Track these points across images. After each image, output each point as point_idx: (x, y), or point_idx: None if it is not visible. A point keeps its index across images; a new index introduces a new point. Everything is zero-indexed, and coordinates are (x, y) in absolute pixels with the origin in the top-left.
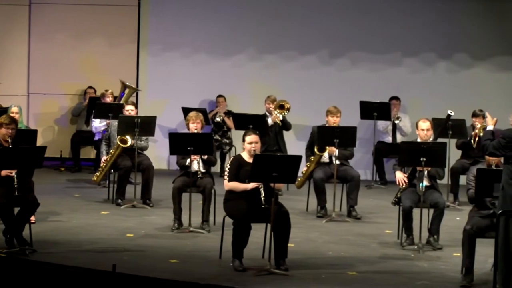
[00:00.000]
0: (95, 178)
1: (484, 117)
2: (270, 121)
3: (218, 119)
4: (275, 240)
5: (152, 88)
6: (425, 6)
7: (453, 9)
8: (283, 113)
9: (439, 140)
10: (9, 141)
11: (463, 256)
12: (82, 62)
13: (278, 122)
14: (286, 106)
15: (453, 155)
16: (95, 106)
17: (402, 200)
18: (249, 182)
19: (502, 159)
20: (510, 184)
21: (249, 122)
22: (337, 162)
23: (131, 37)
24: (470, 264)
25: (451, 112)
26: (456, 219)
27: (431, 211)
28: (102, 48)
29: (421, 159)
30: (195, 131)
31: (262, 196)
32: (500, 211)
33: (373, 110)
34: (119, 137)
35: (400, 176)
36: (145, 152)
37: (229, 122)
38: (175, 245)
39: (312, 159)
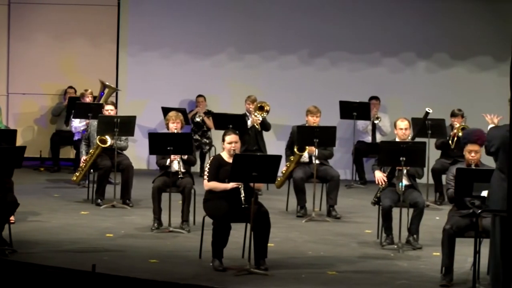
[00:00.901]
0: (74, 178)
1: (462, 116)
2: (249, 122)
3: (197, 119)
4: (255, 240)
5: (131, 88)
6: (405, 5)
7: (432, 9)
8: (262, 115)
9: (419, 140)
10: None
11: (443, 256)
12: (62, 62)
13: (257, 126)
14: (266, 108)
15: (432, 155)
16: (74, 106)
17: (381, 199)
18: (229, 182)
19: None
20: (499, 185)
21: (228, 122)
22: (317, 161)
23: (111, 37)
24: (449, 264)
25: (429, 110)
26: (436, 219)
27: (411, 210)
28: (82, 48)
29: (401, 158)
30: (175, 131)
31: (242, 195)
32: (479, 211)
33: (352, 110)
34: (98, 137)
35: (380, 176)
36: (124, 152)
37: (209, 122)
38: (155, 245)
39: (292, 159)
